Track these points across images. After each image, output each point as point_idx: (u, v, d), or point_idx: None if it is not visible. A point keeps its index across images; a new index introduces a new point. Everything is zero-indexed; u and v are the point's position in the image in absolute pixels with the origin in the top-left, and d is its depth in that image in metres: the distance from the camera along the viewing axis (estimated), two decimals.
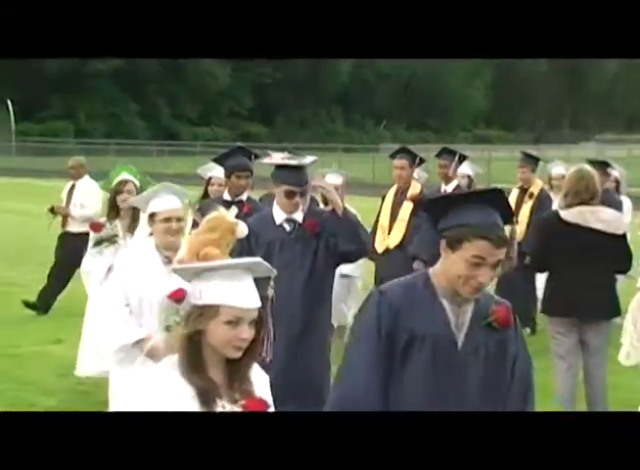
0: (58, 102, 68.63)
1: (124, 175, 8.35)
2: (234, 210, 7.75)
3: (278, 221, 6.49)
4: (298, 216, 6.48)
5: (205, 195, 9.11)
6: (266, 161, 6.80)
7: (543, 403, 8.35)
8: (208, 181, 9.08)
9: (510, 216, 3.86)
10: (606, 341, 7.37)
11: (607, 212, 7.32)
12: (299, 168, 6.45)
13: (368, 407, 3.62)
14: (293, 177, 6.39)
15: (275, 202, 6.55)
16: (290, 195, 6.37)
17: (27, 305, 12.29)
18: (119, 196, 8.25)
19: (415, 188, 10.09)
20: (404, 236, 9.88)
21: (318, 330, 6.55)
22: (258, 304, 3.34)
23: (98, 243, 8.14)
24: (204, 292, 3.34)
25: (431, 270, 3.76)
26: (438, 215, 3.78)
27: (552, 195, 11.63)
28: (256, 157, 8.35)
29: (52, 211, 12.13)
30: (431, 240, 10.53)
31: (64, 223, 12.27)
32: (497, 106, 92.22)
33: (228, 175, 8.03)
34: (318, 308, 6.56)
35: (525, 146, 52.93)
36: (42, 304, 12.32)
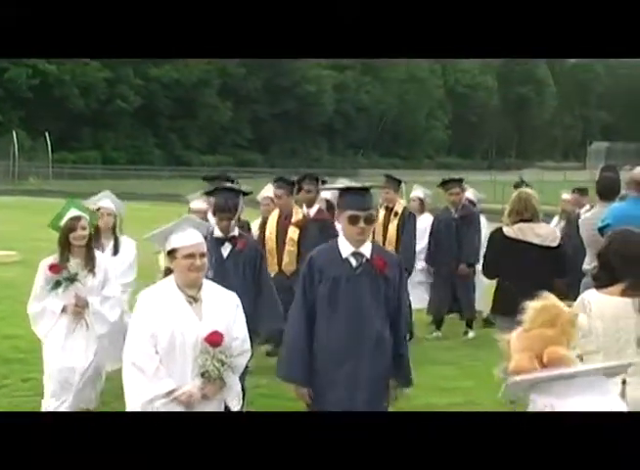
0: (88, 135, 68.65)
1: (75, 212, 6.79)
2: (227, 247, 6.86)
3: (344, 255, 5.20)
4: (366, 251, 5.19)
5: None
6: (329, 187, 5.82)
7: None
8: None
9: None
10: None
11: (542, 228, 7.37)
12: (364, 192, 5.25)
13: None
14: (356, 201, 5.13)
15: (341, 234, 5.31)
16: (353, 220, 5.09)
17: None
18: (73, 233, 6.68)
19: (298, 213, 9.36)
20: (297, 259, 9.10)
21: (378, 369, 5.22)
22: None
23: (57, 285, 6.71)
24: (558, 407, 2.25)
25: None
26: None
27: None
28: (245, 194, 7.29)
29: None
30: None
31: None
32: (456, 137, 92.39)
33: (213, 213, 7.10)
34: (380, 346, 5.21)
35: (480, 171, 53.04)
36: None
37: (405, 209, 10.80)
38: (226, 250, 6.85)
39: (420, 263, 11.10)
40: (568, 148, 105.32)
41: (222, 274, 6.64)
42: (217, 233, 6.90)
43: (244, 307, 6.79)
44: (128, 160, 66.76)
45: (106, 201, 8.11)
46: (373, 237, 10.57)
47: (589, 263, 7.09)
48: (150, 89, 70.44)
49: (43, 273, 6.76)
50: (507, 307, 7.43)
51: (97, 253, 6.96)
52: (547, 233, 7.34)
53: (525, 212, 7.27)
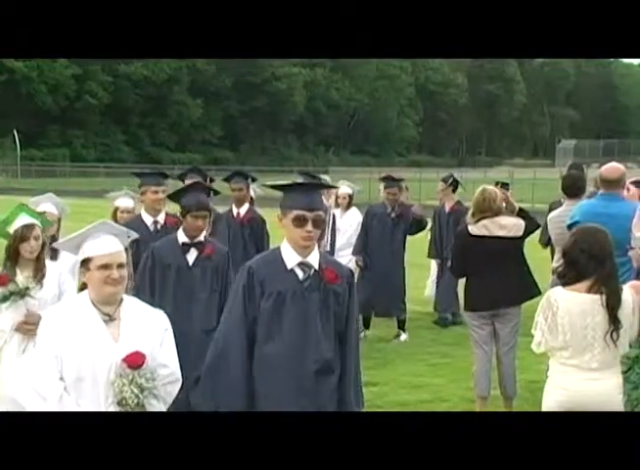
0: (57, 132, 68.27)
1: (27, 218, 5.94)
2: (193, 252, 6.22)
3: (289, 265, 4.41)
4: (314, 260, 4.42)
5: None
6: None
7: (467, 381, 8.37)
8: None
9: None
10: (513, 332, 7.49)
11: (506, 220, 7.45)
12: (312, 189, 4.52)
13: None
14: (303, 200, 4.36)
15: (285, 240, 4.46)
16: (299, 222, 4.31)
17: None
18: (25, 243, 5.85)
19: None
20: None
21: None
22: None
23: (5, 298, 5.81)
24: None
25: None
26: None
27: (339, 211, 11.11)
28: (216, 193, 6.74)
29: None
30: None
31: None
32: (426, 135, 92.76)
33: (183, 215, 6.24)
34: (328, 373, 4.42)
35: (451, 169, 53.28)
36: None
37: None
38: (192, 256, 6.22)
39: (348, 258, 10.72)
40: (537, 145, 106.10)
41: (188, 283, 6.17)
42: (182, 238, 6.23)
43: (212, 320, 5.96)
44: (97, 157, 66.45)
45: (48, 205, 7.22)
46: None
47: (557, 261, 7.16)
48: (119, 86, 70.11)
49: None
50: (476, 304, 7.52)
51: (50, 263, 6.11)
52: (512, 224, 7.45)
53: (488, 211, 7.37)
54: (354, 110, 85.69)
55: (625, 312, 4.75)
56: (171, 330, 4.20)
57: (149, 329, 4.07)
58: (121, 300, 4.08)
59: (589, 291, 4.73)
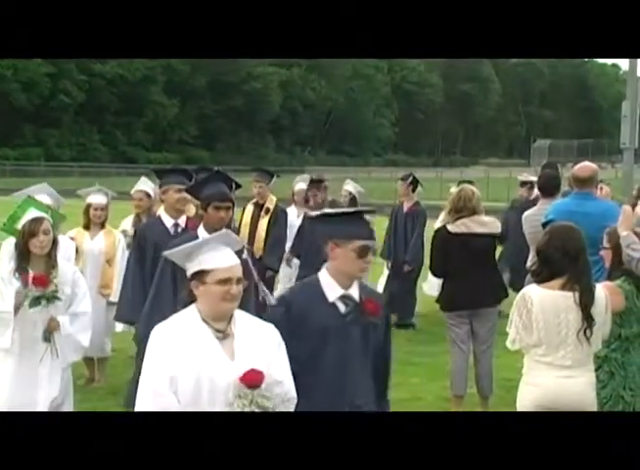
0: (31, 131, 67.81)
1: (35, 212, 5.53)
2: None
3: (331, 298, 4.15)
4: (355, 292, 4.17)
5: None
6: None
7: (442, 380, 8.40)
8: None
9: None
10: (490, 331, 7.53)
11: (483, 218, 7.54)
12: (364, 216, 4.27)
13: None
14: (364, 229, 4.17)
15: (327, 271, 4.19)
16: (364, 252, 4.09)
17: None
18: (35, 238, 5.43)
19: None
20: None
21: None
22: None
23: (37, 301, 5.42)
24: None
25: None
26: None
27: (295, 207, 10.87)
28: (237, 186, 6.38)
29: None
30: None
31: None
32: (402, 134, 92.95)
33: (204, 207, 5.85)
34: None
35: (427, 168, 53.41)
36: None
37: (277, 205, 10.11)
38: None
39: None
40: (511, 145, 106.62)
41: None
42: (203, 234, 5.66)
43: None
44: (72, 157, 66.05)
45: (42, 196, 6.93)
46: (238, 233, 9.07)
47: (532, 260, 7.22)
48: (94, 85, 69.75)
49: (14, 281, 5.50)
50: (457, 303, 7.55)
51: (62, 262, 5.79)
52: (491, 221, 7.58)
53: (463, 210, 7.43)
54: (330, 109, 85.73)
55: (598, 310, 4.80)
56: (284, 345, 3.87)
57: (263, 345, 3.77)
58: (233, 315, 3.79)
59: (563, 288, 4.77)
